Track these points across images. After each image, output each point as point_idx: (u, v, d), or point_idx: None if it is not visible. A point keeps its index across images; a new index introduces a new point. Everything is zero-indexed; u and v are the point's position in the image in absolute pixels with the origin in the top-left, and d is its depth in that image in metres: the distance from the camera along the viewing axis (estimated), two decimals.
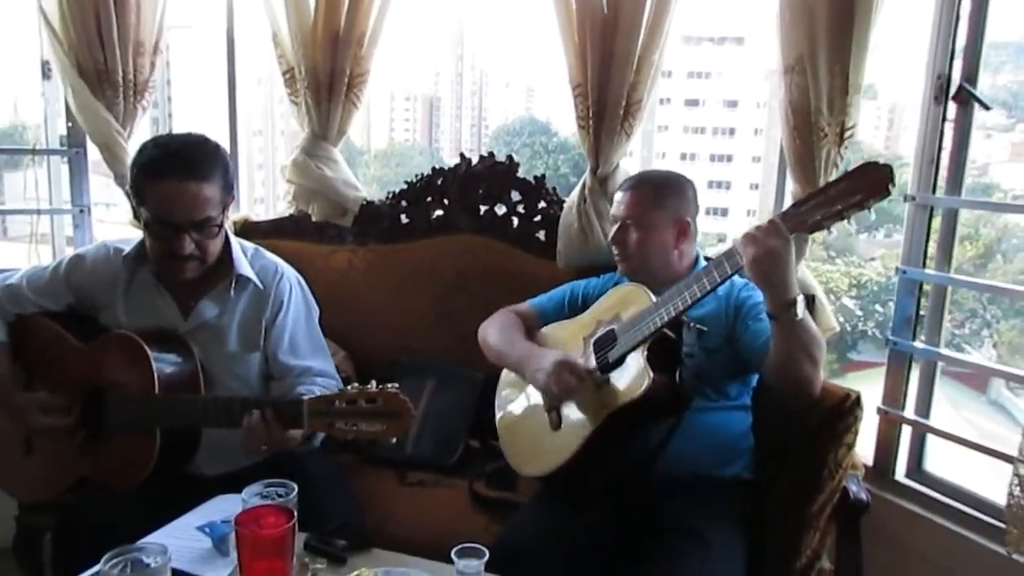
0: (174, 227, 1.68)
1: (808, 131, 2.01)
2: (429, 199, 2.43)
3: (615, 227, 1.89)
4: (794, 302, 1.52)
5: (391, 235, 2.45)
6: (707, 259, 1.98)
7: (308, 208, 2.46)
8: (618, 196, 1.91)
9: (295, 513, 1.22)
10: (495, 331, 1.99)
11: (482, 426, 2.22)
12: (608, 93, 2.14)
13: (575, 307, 2.02)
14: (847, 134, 1.97)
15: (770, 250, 1.50)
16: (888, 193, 1.44)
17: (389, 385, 1.52)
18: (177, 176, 1.66)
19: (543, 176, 2.36)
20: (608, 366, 1.75)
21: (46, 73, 2.52)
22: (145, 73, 2.31)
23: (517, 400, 1.95)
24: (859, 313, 8.15)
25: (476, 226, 2.40)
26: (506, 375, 2.01)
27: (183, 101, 2.68)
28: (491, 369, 2.22)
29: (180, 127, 2.69)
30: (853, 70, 1.93)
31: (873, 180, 1.44)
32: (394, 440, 1.55)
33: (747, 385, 1.88)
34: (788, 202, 2.29)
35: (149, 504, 1.70)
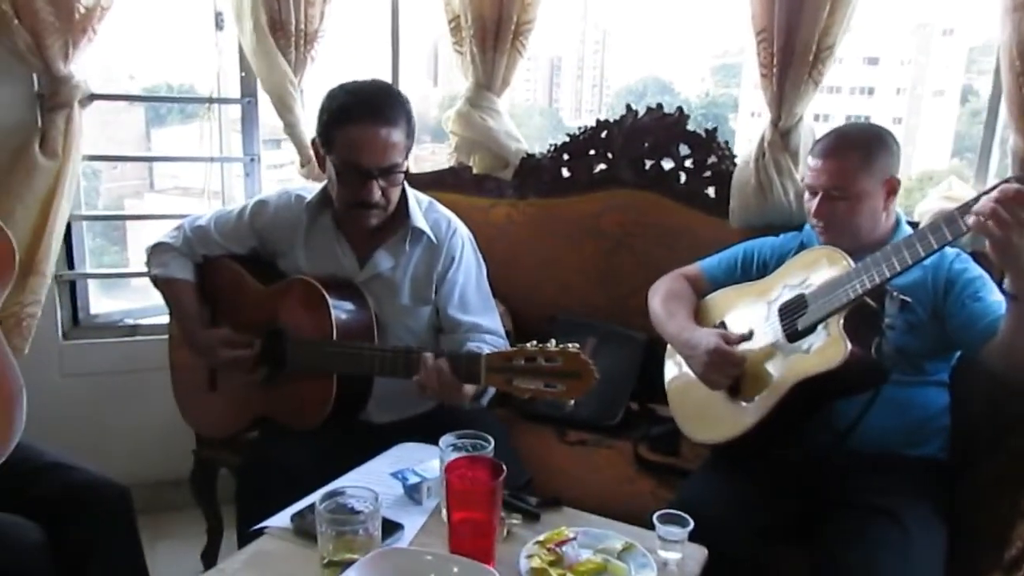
0: (363, 173, 1.68)
1: None
2: (592, 152, 2.35)
3: (816, 199, 1.71)
4: None
5: (552, 189, 2.39)
6: (911, 223, 1.82)
7: (469, 160, 2.44)
8: (815, 163, 1.71)
9: (504, 467, 1.19)
10: (659, 299, 1.92)
11: (643, 389, 2.17)
12: (797, 38, 1.98)
13: (749, 269, 1.90)
14: None
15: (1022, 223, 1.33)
16: None
17: (570, 345, 1.47)
18: (367, 121, 1.66)
19: (715, 129, 2.23)
20: (796, 333, 1.64)
21: (219, 24, 2.59)
22: (315, 23, 2.33)
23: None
24: None
25: (641, 181, 2.30)
26: None
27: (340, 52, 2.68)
28: (655, 331, 2.16)
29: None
30: None
31: None
32: (571, 402, 1.50)
33: (947, 361, 1.72)
34: (999, 161, 2.08)
35: (323, 447, 1.75)
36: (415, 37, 2.63)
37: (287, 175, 2.65)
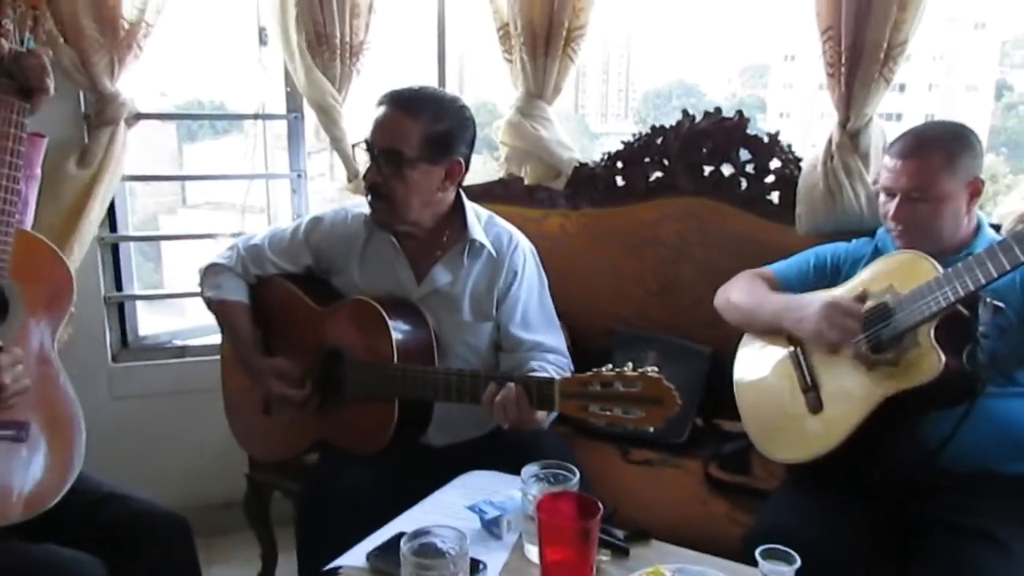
0: (368, 150, 1.69)
1: None
2: (647, 159, 2.28)
3: (893, 201, 1.63)
4: None
5: (606, 198, 2.32)
6: (993, 226, 1.73)
7: (520, 171, 2.37)
8: (894, 163, 1.63)
9: (600, 505, 1.12)
10: (739, 290, 1.83)
11: (708, 404, 2.09)
12: (866, 34, 1.89)
13: (822, 275, 1.81)
14: None
15: None
16: None
17: (649, 368, 1.41)
18: (387, 103, 1.68)
19: (777, 133, 2.14)
20: (881, 344, 1.55)
21: (263, 39, 2.56)
22: (360, 35, 2.28)
23: (764, 377, 1.78)
24: None
25: (700, 188, 2.22)
26: (748, 349, 1.84)
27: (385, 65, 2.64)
28: (720, 344, 2.08)
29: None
30: None
31: None
32: (651, 429, 1.44)
33: None
34: None
35: (382, 472, 1.70)
36: (464, 46, 2.59)
37: (316, 187, 2.63)
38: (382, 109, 1.68)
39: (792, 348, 1.71)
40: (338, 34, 2.24)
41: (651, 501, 1.80)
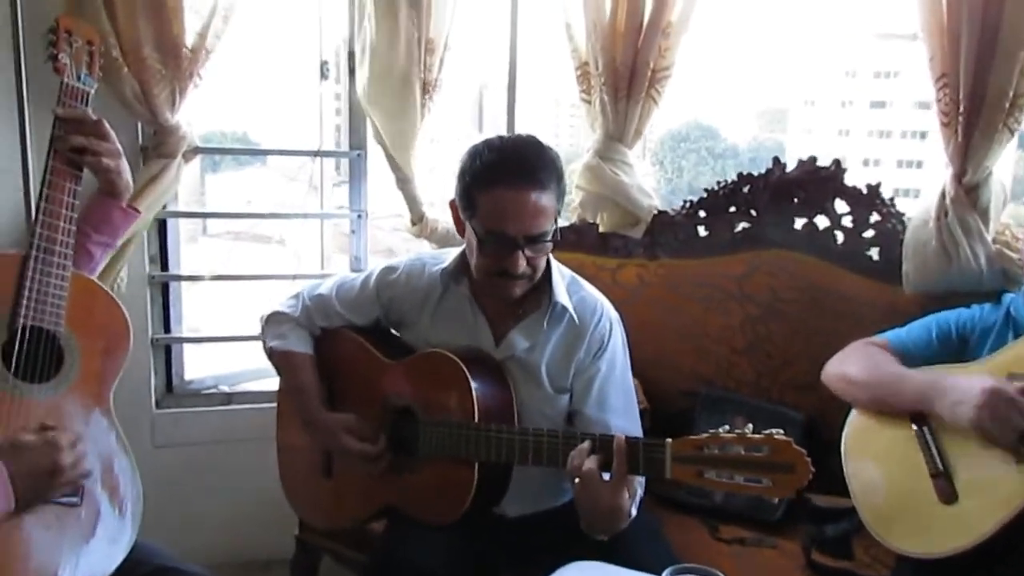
0: (508, 241, 1.47)
1: None
2: (733, 209, 2.13)
3: None
4: None
5: (686, 248, 2.17)
6: None
7: (595, 217, 2.24)
8: None
9: None
10: (858, 364, 1.65)
11: None
12: (987, 82, 1.75)
13: (948, 346, 1.64)
14: None
15: None
16: None
17: (774, 431, 1.27)
18: (515, 184, 1.45)
19: (877, 185, 1.99)
20: None
21: (324, 73, 2.47)
22: (434, 72, 2.17)
23: (882, 456, 1.59)
24: None
25: (790, 241, 2.07)
26: (861, 422, 1.66)
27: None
28: (816, 410, 1.92)
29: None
30: None
31: None
32: (776, 500, 1.29)
33: None
34: None
35: (453, 545, 1.55)
36: (535, 89, 2.48)
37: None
38: (517, 191, 1.45)
39: (917, 427, 1.54)
40: (414, 70, 2.13)
41: None
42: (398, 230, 2.73)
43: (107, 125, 1.35)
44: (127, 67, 1.95)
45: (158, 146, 2.06)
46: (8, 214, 2.03)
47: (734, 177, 2.13)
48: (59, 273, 1.26)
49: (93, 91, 1.37)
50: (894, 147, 12.17)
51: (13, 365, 1.22)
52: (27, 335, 1.23)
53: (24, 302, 1.22)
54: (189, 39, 2.01)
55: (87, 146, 1.31)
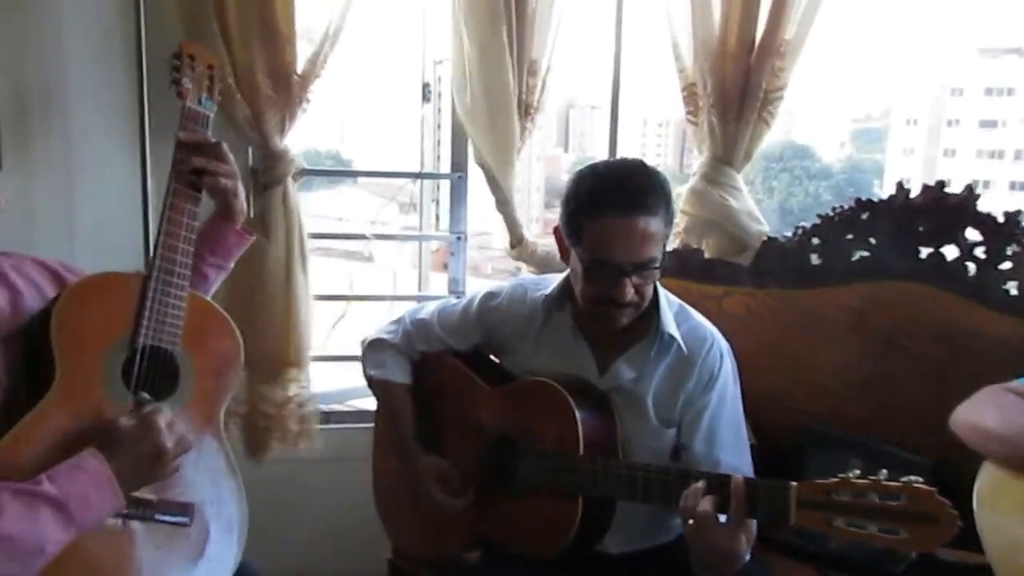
0: (615, 269, 1.43)
1: None
2: (850, 236, 2.01)
3: None
4: None
5: (797, 277, 2.06)
6: None
7: (699, 243, 2.16)
8: None
9: None
10: (992, 412, 1.50)
11: None
12: None
13: None
14: None
15: None
16: None
17: (913, 478, 1.19)
18: (622, 211, 1.40)
19: (1017, 212, 1.84)
20: None
21: (426, 96, 2.48)
22: (536, 94, 2.15)
23: (1021, 517, 1.45)
24: None
25: (915, 271, 1.93)
26: (995, 477, 1.52)
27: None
28: (942, 455, 1.77)
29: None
30: None
31: None
32: (913, 554, 1.21)
33: None
34: None
35: None
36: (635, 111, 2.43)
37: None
38: (624, 218, 1.41)
39: None
40: (517, 92, 2.12)
41: None
42: (483, 248, 2.73)
43: (226, 147, 1.38)
44: (240, 93, 2.00)
45: (267, 170, 2.10)
46: (129, 235, 2.11)
47: (851, 203, 2.01)
48: (177, 293, 1.28)
49: (212, 115, 1.40)
50: (1006, 168, 11.58)
51: (133, 383, 1.24)
52: (146, 353, 1.25)
53: (144, 322, 1.25)
54: (300, 65, 2.05)
55: (207, 167, 1.33)
